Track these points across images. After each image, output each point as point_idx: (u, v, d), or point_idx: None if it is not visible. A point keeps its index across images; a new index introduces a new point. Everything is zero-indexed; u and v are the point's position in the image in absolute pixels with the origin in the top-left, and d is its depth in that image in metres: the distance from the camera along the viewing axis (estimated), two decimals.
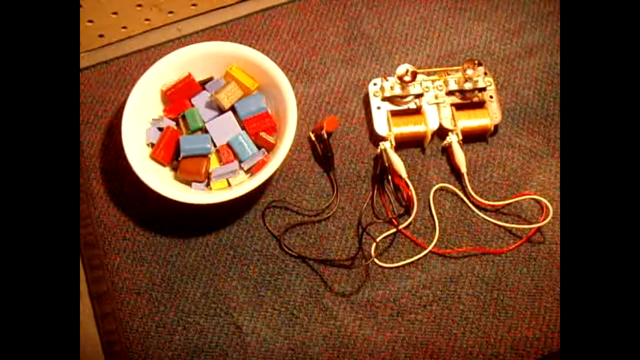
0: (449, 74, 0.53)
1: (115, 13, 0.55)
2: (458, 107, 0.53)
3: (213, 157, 0.50)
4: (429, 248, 0.49)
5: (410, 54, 0.57)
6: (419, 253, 0.49)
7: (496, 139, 0.53)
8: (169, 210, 0.50)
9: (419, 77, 0.52)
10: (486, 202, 0.50)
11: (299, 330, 0.47)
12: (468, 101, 0.53)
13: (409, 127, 0.52)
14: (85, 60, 0.57)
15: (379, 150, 0.50)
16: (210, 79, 0.53)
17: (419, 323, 0.47)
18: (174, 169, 0.51)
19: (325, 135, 0.51)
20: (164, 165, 0.50)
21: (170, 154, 0.50)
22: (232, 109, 0.51)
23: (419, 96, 0.53)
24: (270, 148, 0.50)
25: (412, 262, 0.49)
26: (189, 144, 0.50)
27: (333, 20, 0.58)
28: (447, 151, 0.52)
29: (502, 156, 0.53)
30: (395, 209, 0.51)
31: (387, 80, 0.52)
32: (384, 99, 0.53)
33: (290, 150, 0.48)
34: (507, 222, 0.49)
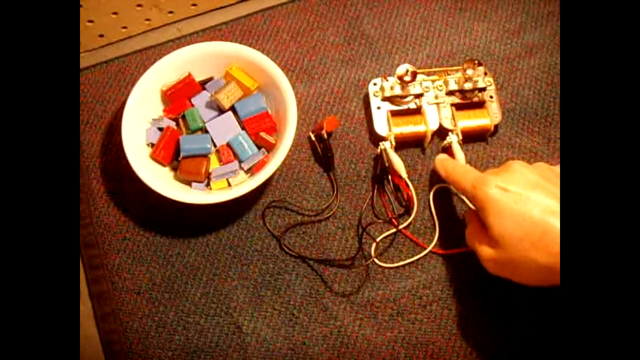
0: (449, 74, 0.53)
1: (115, 13, 0.55)
2: (458, 107, 0.53)
3: (213, 157, 0.50)
4: (429, 248, 0.49)
5: (410, 54, 0.57)
6: (419, 253, 0.49)
7: (496, 139, 0.53)
8: (169, 210, 0.50)
9: (419, 77, 0.52)
10: None
11: (299, 330, 0.47)
12: (468, 101, 0.53)
13: (409, 127, 0.52)
14: (85, 60, 0.57)
15: (379, 150, 0.50)
16: (210, 79, 0.53)
17: (419, 323, 0.47)
18: (174, 169, 0.51)
19: (325, 135, 0.51)
20: (164, 165, 0.51)
21: (170, 154, 0.50)
22: (232, 109, 0.51)
23: (419, 96, 0.53)
24: (270, 148, 0.50)
25: (412, 262, 0.49)
26: (189, 144, 0.50)
27: (333, 20, 0.58)
28: (447, 151, 0.52)
29: (502, 156, 0.53)
30: (395, 209, 0.51)
31: (387, 80, 0.52)
32: (384, 99, 0.53)
33: (290, 150, 0.48)
34: None
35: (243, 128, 0.51)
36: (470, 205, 0.49)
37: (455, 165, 0.46)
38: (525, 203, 0.38)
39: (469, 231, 0.44)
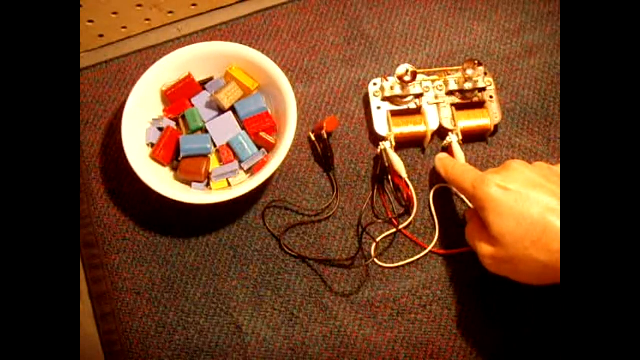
0: (449, 74, 0.53)
1: (115, 13, 0.55)
2: (458, 107, 0.53)
3: (213, 157, 0.50)
4: (429, 248, 0.49)
5: (410, 54, 0.57)
6: (419, 253, 0.49)
7: (496, 139, 0.53)
8: (169, 210, 0.50)
9: (419, 77, 0.52)
10: None
11: (299, 330, 0.47)
12: (468, 101, 0.53)
13: (409, 127, 0.52)
14: (85, 60, 0.57)
15: (379, 150, 0.50)
16: (210, 79, 0.53)
17: (419, 323, 0.47)
18: (174, 169, 0.51)
19: (325, 135, 0.51)
20: (164, 165, 0.51)
21: (170, 154, 0.50)
22: (232, 109, 0.51)
23: (419, 96, 0.53)
24: (270, 148, 0.50)
25: (412, 262, 0.49)
26: (189, 144, 0.50)
27: (333, 20, 0.58)
28: (447, 151, 0.52)
29: (502, 156, 0.53)
30: (395, 209, 0.51)
31: (387, 80, 0.52)
32: (384, 99, 0.53)
33: (290, 150, 0.48)
34: None
35: (243, 128, 0.51)
36: (470, 205, 0.49)
37: (455, 165, 0.46)
38: (525, 202, 0.38)
39: (468, 230, 0.44)
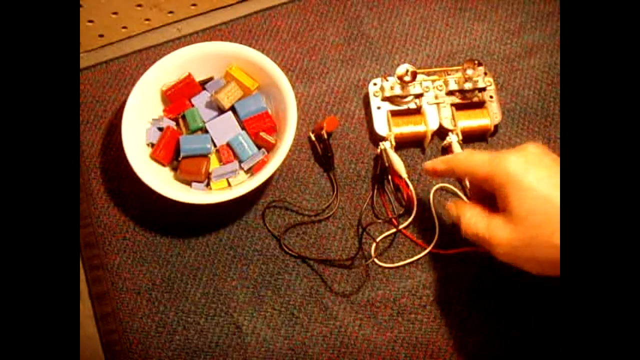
0: (449, 74, 0.53)
1: (115, 13, 0.55)
2: (458, 107, 0.53)
3: (213, 157, 0.50)
4: (429, 248, 0.49)
5: (410, 54, 0.57)
6: (419, 253, 0.49)
7: (496, 139, 0.53)
8: (169, 210, 0.50)
9: (419, 77, 0.52)
10: None
11: (299, 330, 0.47)
12: (468, 101, 0.53)
13: (409, 127, 0.52)
14: (85, 60, 0.57)
15: (379, 150, 0.50)
16: (210, 79, 0.53)
17: (419, 323, 0.47)
18: (174, 169, 0.51)
19: (325, 135, 0.51)
20: (164, 165, 0.51)
21: (170, 154, 0.50)
22: (232, 109, 0.51)
23: (419, 96, 0.53)
24: (270, 148, 0.50)
25: (412, 262, 0.49)
26: (189, 144, 0.50)
27: (333, 20, 0.58)
28: (447, 151, 0.52)
29: None
30: (395, 209, 0.51)
31: (387, 80, 0.52)
32: (384, 99, 0.53)
33: (290, 150, 0.48)
34: None
35: (243, 128, 0.51)
36: (464, 198, 0.49)
37: (456, 155, 0.44)
38: (550, 184, 0.36)
39: (468, 220, 0.41)
